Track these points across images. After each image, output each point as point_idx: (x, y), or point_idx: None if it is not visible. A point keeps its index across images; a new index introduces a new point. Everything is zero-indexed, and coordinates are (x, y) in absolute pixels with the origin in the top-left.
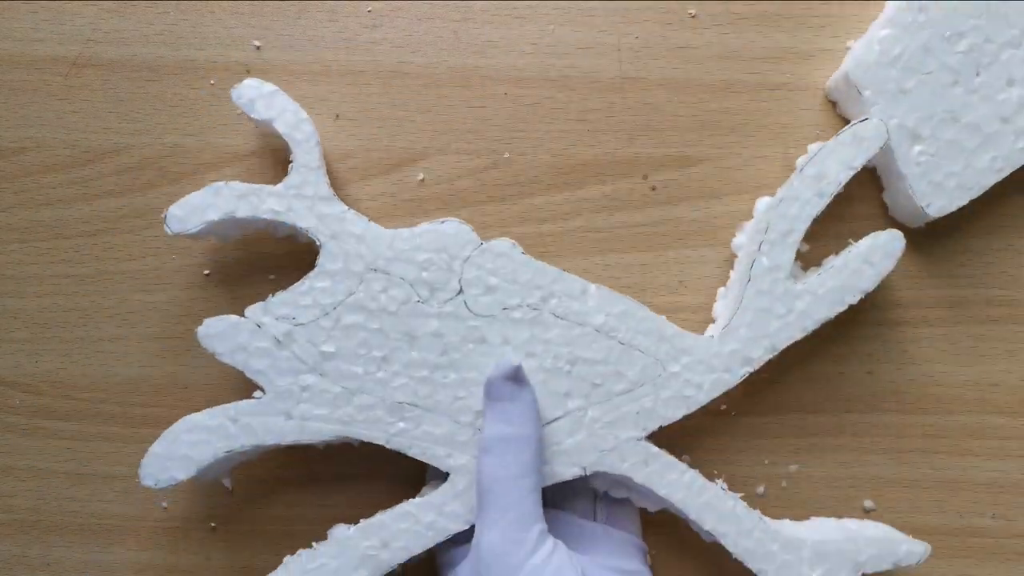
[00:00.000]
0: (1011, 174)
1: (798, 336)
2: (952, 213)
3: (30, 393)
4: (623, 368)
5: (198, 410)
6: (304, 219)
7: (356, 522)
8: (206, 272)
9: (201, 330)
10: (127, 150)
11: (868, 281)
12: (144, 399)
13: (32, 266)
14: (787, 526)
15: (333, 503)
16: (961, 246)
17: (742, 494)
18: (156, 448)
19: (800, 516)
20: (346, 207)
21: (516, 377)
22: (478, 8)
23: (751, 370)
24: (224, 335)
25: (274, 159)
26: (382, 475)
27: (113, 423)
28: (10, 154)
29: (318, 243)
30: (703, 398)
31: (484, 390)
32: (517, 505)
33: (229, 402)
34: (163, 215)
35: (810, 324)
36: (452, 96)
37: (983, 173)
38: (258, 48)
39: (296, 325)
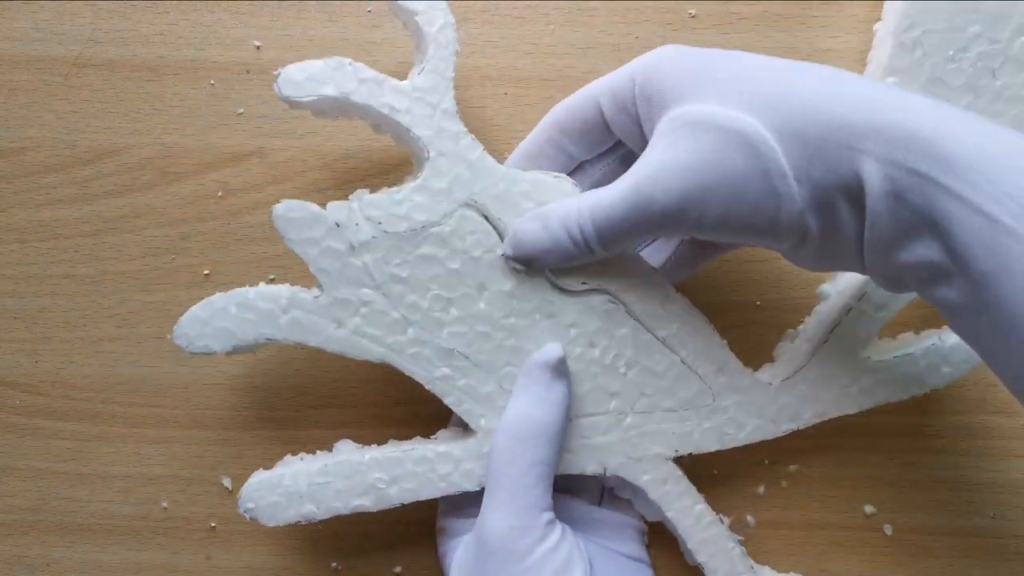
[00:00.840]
0: None
1: (852, 411)
2: None
3: (30, 393)
4: (677, 388)
5: (197, 411)
6: (422, 126)
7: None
8: (206, 272)
9: (278, 209)
10: (127, 150)
11: (940, 380)
12: (144, 399)
13: (32, 266)
14: None
15: None
16: None
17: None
18: (199, 311)
19: (800, 517)
20: (466, 129)
21: (558, 368)
22: (478, 8)
23: (796, 427)
24: (300, 223)
25: (274, 160)
26: None
27: (113, 423)
28: (10, 154)
29: (427, 155)
30: (742, 438)
31: (523, 370)
32: (528, 492)
33: (225, 403)
34: (276, 72)
35: (868, 403)
36: None
37: None
38: (258, 48)
39: (374, 237)
